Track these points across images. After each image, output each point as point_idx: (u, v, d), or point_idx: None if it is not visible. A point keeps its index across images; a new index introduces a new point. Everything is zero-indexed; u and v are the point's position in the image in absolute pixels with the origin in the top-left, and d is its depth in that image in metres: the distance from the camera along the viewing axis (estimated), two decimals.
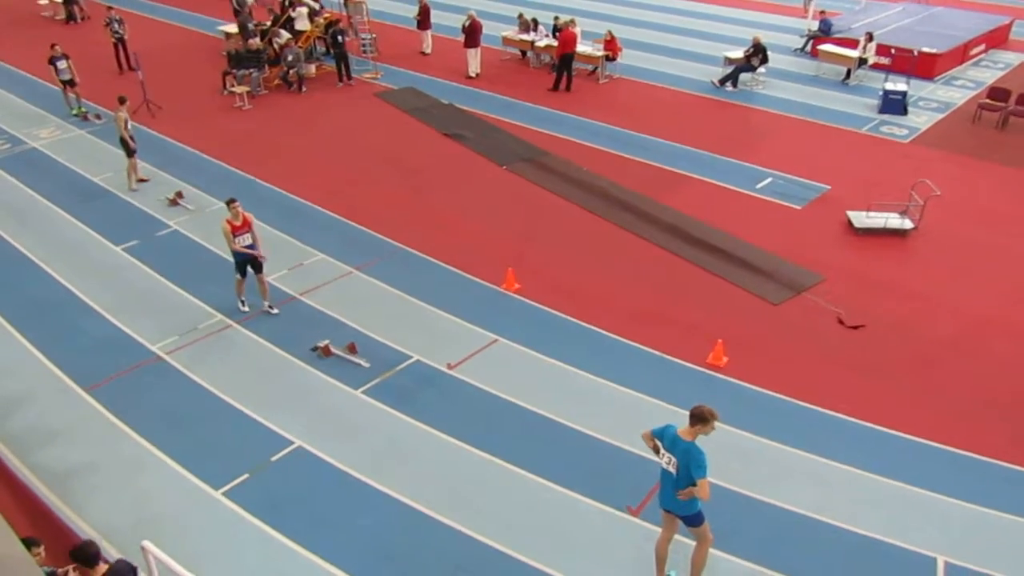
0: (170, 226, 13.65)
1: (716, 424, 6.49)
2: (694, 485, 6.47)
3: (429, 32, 23.03)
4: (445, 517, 8.00)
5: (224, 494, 8.24)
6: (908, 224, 13.44)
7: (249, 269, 10.93)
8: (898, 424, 9.23)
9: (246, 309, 11.13)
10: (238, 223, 10.52)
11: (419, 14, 22.70)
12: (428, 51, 23.12)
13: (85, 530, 7.76)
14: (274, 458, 8.72)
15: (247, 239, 10.67)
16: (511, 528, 7.87)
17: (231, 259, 10.80)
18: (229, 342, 10.69)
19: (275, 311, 11.11)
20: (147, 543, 5.47)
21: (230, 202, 10.59)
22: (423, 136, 17.63)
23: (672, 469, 6.61)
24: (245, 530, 7.83)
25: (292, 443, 8.91)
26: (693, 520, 6.85)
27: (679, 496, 6.62)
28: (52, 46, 17.86)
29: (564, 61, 20.03)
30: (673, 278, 12.22)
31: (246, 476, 8.46)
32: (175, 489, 8.33)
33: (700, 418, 6.45)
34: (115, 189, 14.89)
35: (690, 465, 6.44)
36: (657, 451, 6.79)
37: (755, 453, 8.85)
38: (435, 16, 23.21)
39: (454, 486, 8.40)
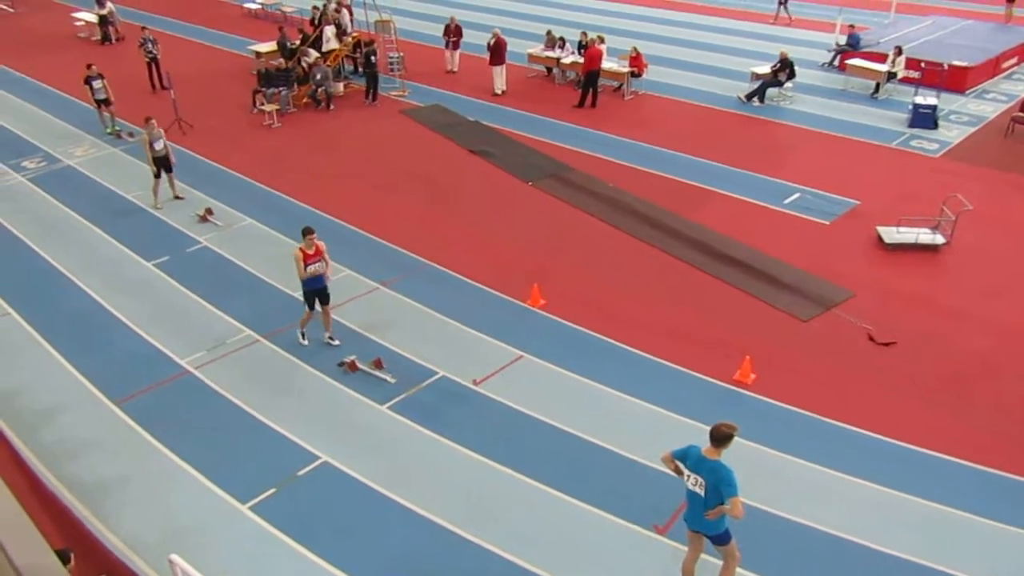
0: (200, 242, 13.84)
1: (736, 437, 6.42)
2: (723, 504, 6.38)
3: (457, 51, 23.10)
4: (470, 533, 7.97)
5: (251, 508, 8.28)
6: (940, 239, 13.24)
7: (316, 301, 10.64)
8: (930, 442, 9.06)
9: (305, 343, 10.86)
10: (311, 251, 10.24)
11: (452, 33, 22.74)
12: (455, 69, 23.25)
13: (114, 543, 7.84)
14: (300, 473, 8.75)
15: (320, 267, 10.35)
16: (537, 545, 7.82)
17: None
18: (257, 357, 10.78)
19: (336, 343, 10.89)
20: (175, 557, 5.51)
21: (307, 232, 10.21)
22: (449, 153, 17.74)
23: (700, 490, 6.53)
24: (271, 544, 7.86)
25: (318, 458, 8.95)
26: (721, 539, 6.77)
27: (708, 516, 6.53)
28: (88, 66, 18.24)
29: (590, 78, 20.07)
30: (700, 294, 12.14)
31: (273, 491, 8.51)
32: (202, 503, 8.39)
33: (724, 438, 6.37)
34: (147, 206, 15.13)
35: (719, 484, 6.36)
36: (679, 473, 6.71)
37: (783, 471, 8.73)
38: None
39: (480, 502, 8.37)
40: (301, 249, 10.28)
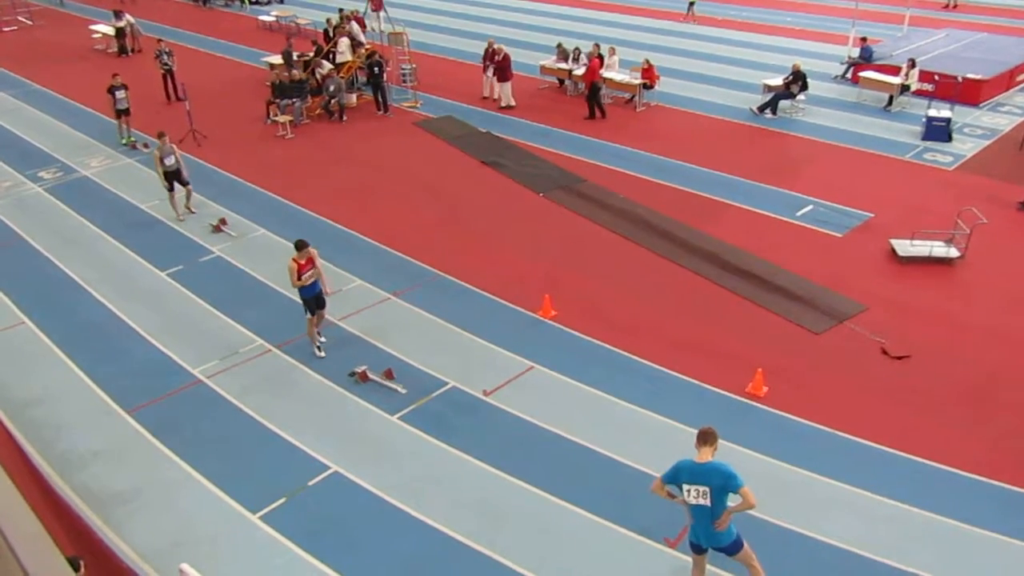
0: (213, 252, 13.92)
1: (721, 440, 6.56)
2: (728, 506, 6.30)
3: (496, 79, 21.52)
4: (480, 545, 7.94)
5: (261, 518, 8.29)
6: (954, 252, 13.16)
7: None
8: (945, 458, 8.97)
9: (323, 355, 10.90)
10: (303, 261, 10.40)
11: (491, 57, 21.40)
12: (494, 97, 21.79)
13: (125, 551, 7.86)
14: (311, 483, 8.76)
15: (314, 274, 10.56)
16: (546, 557, 7.78)
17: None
18: (268, 367, 10.81)
19: (322, 339, 11.09)
20: (185, 566, 5.53)
21: (301, 246, 10.39)
22: (461, 164, 17.80)
23: (705, 500, 6.33)
24: (281, 554, 7.86)
25: (329, 468, 8.95)
26: (735, 547, 6.60)
27: (718, 526, 6.39)
28: (113, 76, 18.41)
29: (592, 90, 20.14)
30: (712, 306, 12.10)
31: (283, 500, 8.51)
32: (213, 512, 8.41)
33: (712, 436, 6.41)
34: (161, 216, 15.25)
35: (727, 482, 6.22)
36: (672, 497, 6.58)
37: (796, 485, 8.66)
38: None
39: (489, 514, 8.34)
40: (294, 259, 10.41)
